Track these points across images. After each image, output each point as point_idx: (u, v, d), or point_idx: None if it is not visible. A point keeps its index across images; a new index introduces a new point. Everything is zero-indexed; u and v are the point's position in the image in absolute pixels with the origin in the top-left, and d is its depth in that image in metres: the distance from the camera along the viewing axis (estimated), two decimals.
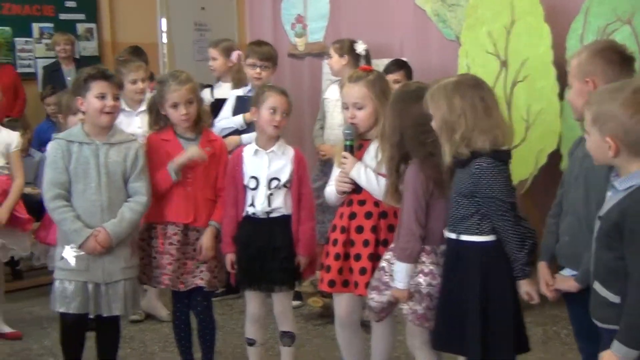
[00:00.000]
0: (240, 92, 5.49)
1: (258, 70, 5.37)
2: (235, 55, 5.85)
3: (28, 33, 8.46)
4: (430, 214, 3.32)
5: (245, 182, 3.93)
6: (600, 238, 2.67)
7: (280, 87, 4.21)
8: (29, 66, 8.45)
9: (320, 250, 3.93)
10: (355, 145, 3.73)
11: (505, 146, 3.14)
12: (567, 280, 3.11)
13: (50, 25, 8.53)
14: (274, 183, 3.90)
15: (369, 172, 3.64)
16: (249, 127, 5.11)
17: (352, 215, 3.72)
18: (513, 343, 3.13)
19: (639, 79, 2.86)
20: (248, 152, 3.98)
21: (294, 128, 6.71)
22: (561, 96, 5.30)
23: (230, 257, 3.99)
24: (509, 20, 5.59)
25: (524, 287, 3.12)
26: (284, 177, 3.91)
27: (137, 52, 6.52)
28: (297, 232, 3.93)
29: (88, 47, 8.75)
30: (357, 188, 3.71)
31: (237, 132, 5.32)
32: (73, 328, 3.97)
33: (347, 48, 5.82)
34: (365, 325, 4.09)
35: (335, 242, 3.75)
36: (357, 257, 3.68)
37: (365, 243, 3.67)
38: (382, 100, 3.63)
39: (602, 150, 2.64)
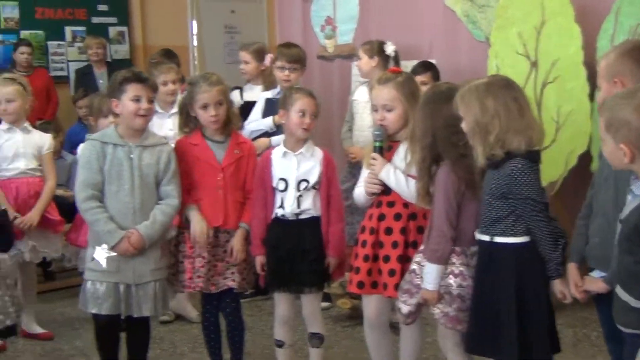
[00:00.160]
0: (270, 94, 5.50)
1: (287, 72, 5.38)
2: (268, 58, 5.84)
3: (61, 37, 8.57)
4: (461, 215, 3.31)
5: (274, 184, 3.94)
6: (621, 242, 2.65)
7: (308, 89, 4.21)
8: (61, 69, 8.55)
9: (349, 252, 3.93)
10: (385, 146, 3.72)
11: (537, 146, 3.14)
12: (597, 281, 3.09)
13: (83, 28, 8.62)
14: (303, 185, 3.90)
15: (398, 174, 3.64)
16: (278, 129, 5.11)
17: (381, 217, 3.72)
18: (549, 343, 3.13)
19: None
20: (277, 154, 3.98)
21: (323, 130, 6.71)
22: (592, 97, 5.26)
23: (260, 259, 4.00)
24: (539, 20, 5.55)
25: (558, 286, 3.13)
26: (313, 178, 3.92)
27: (169, 55, 6.57)
28: (326, 233, 3.93)
29: (120, 51, 8.83)
30: (386, 189, 3.70)
31: (267, 134, 5.34)
32: (106, 329, 4.01)
33: (377, 49, 5.81)
34: (394, 327, 4.08)
35: (364, 243, 3.75)
36: (386, 259, 3.67)
37: (395, 244, 3.66)
38: (412, 102, 3.63)
39: (617, 157, 2.62)
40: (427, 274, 3.35)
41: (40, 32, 8.42)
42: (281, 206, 3.93)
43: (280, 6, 8.48)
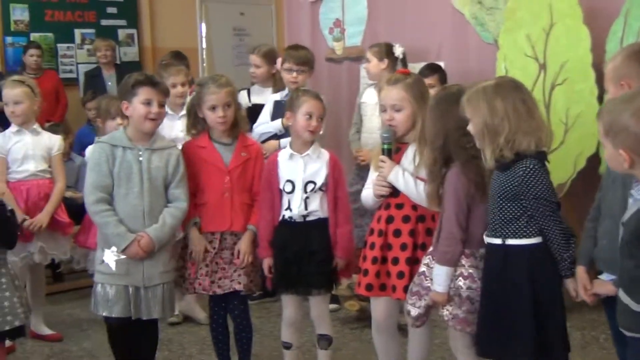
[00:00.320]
0: (278, 96, 5.51)
1: (294, 74, 5.38)
2: (280, 62, 5.82)
3: (70, 39, 8.59)
4: (471, 217, 3.30)
5: (281, 186, 3.94)
6: (622, 246, 2.65)
7: (315, 91, 4.21)
8: (70, 72, 8.58)
9: (358, 254, 3.92)
10: (393, 149, 3.72)
11: (545, 148, 3.14)
12: (605, 284, 3.08)
13: (92, 31, 8.65)
14: (310, 186, 3.90)
15: (407, 176, 3.63)
16: (287, 131, 5.11)
17: (390, 219, 3.72)
18: (564, 343, 3.14)
19: None
20: (283, 157, 3.99)
21: (331, 132, 6.73)
22: (600, 99, 5.24)
23: (267, 262, 4.01)
24: (547, 22, 5.54)
25: (571, 285, 3.14)
26: (320, 180, 3.92)
27: (178, 57, 6.58)
28: (334, 235, 3.93)
29: (129, 53, 8.85)
30: (394, 191, 3.70)
31: (276, 136, 5.34)
32: (119, 331, 4.01)
33: (386, 52, 5.82)
34: (401, 329, 4.08)
35: (372, 245, 3.75)
36: (395, 261, 3.67)
37: (403, 247, 3.66)
38: (420, 104, 3.63)
39: (617, 162, 2.62)
40: (437, 276, 3.34)
41: (49, 34, 8.44)
42: (288, 208, 3.93)
43: (288, 8, 8.49)
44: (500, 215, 3.13)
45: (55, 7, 8.43)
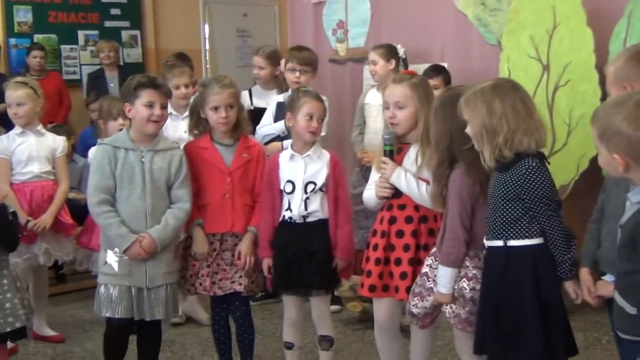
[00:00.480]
0: (281, 98, 5.50)
1: (297, 74, 5.38)
2: (283, 63, 5.82)
3: (74, 40, 8.60)
4: (475, 218, 3.29)
5: (282, 187, 3.94)
6: (620, 248, 2.64)
7: (315, 92, 4.21)
8: (74, 73, 8.59)
9: (361, 255, 3.92)
10: (395, 149, 3.72)
11: (543, 147, 3.13)
12: (609, 286, 3.06)
13: (95, 32, 8.66)
14: (310, 187, 3.90)
15: (409, 177, 3.63)
16: (289, 133, 5.11)
17: (393, 220, 3.71)
18: (566, 343, 3.12)
19: None
20: (284, 157, 3.99)
21: (334, 133, 6.74)
22: (603, 101, 5.22)
23: (267, 262, 4.01)
24: (551, 24, 5.54)
25: (571, 287, 3.12)
26: (320, 180, 3.91)
27: (182, 58, 6.58)
28: (334, 235, 3.93)
29: (132, 54, 8.86)
30: (397, 192, 3.69)
31: (279, 138, 5.34)
32: (119, 332, 4.01)
33: (392, 52, 5.83)
34: (404, 330, 4.08)
35: (375, 246, 3.75)
36: (398, 262, 3.67)
37: (406, 247, 3.66)
38: (424, 104, 3.62)
39: (612, 166, 2.60)
40: (441, 277, 3.34)
41: (53, 36, 8.45)
42: (288, 208, 3.93)
43: (292, 10, 8.50)
44: (502, 217, 3.12)
45: (58, 8, 8.44)
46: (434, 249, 3.51)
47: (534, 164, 3.03)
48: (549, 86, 5.57)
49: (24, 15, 8.28)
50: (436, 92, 4.13)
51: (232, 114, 4.07)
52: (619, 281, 2.69)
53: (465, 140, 3.23)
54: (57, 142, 5.09)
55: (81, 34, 8.63)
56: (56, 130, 5.47)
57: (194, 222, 4.07)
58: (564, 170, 5.36)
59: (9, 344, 4.21)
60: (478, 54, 6.49)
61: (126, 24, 8.84)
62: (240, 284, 4.06)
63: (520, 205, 3.07)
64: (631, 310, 2.60)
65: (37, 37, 8.31)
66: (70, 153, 6.06)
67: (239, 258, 4.06)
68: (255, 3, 9.24)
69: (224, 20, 9.15)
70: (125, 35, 8.82)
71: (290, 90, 5.44)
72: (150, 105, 3.91)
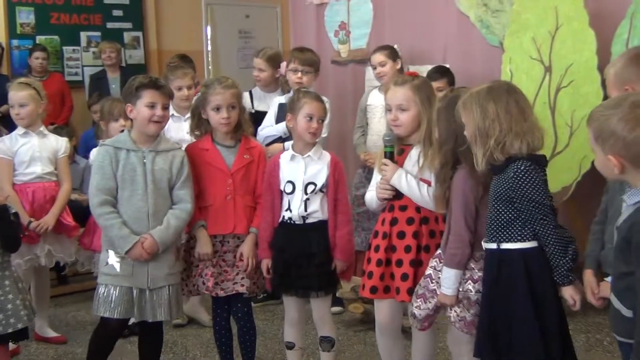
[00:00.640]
0: (283, 99, 5.49)
1: (299, 74, 5.37)
2: (284, 67, 5.78)
3: (76, 42, 8.62)
4: (479, 220, 3.28)
5: (282, 187, 3.94)
6: (616, 251, 2.64)
7: (316, 92, 4.22)
8: (76, 74, 8.61)
9: (363, 257, 3.92)
10: (397, 150, 3.72)
11: (540, 150, 3.11)
12: None
13: (98, 34, 8.68)
14: (310, 188, 3.90)
15: (410, 179, 3.63)
16: (291, 134, 5.11)
17: (394, 221, 3.71)
18: (560, 349, 3.08)
19: (636, 93, 2.80)
20: (285, 158, 3.99)
21: (336, 134, 6.74)
22: None
23: (266, 263, 4.01)
24: (553, 25, 5.53)
25: (568, 293, 3.06)
26: (320, 181, 3.91)
27: (184, 60, 6.59)
28: (333, 237, 3.93)
29: (134, 55, 8.87)
30: (398, 194, 3.69)
31: (280, 139, 5.33)
32: (113, 333, 4.01)
33: (396, 52, 5.85)
34: (405, 332, 4.07)
35: (376, 248, 3.74)
36: (399, 263, 3.66)
37: (407, 249, 3.65)
38: (426, 106, 3.62)
39: (608, 168, 2.60)
40: (446, 279, 3.33)
41: (55, 37, 8.47)
42: (288, 209, 3.93)
43: (294, 11, 8.50)
44: (496, 219, 3.11)
45: (61, 9, 8.45)
46: (438, 251, 3.50)
47: (522, 167, 3.01)
48: (551, 87, 5.56)
49: (26, 16, 8.29)
50: (440, 94, 4.13)
51: (234, 115, 4.07)
52: (615, 283, 2.68)
53: None
54: (60, 144, 5.09)
55: (83, 36, 8.64)
56: (57, 132, 5.47)
57: (196, 224, 4.07)
58: (566, 172, 5.35)
59: (11, 345, 4.22)
60: (480, 56, 6.48)
61: (128, 25, 8.85)
62: (242, 285, 4.06)
63: (511, 208, 3.06)
64: (627, 312, 2.59)
65: (40, 39, 8.32)
66: (71, 154, 6.06)
67: (241, 259, 4.06)
68: (257, 4, 9.25)
69: (226, 21, 9.16)
70: (127, 36, 8.84)
71: (292, 92, 5.44)
72: (151, 106, 3.90)
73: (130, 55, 8.81)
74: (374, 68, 5.89)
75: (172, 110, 5.08)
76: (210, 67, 9.05)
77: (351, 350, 4.92)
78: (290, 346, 4.12)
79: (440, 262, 3.43)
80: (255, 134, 5.07)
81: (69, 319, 5.76)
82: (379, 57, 5.86)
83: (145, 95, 3.91)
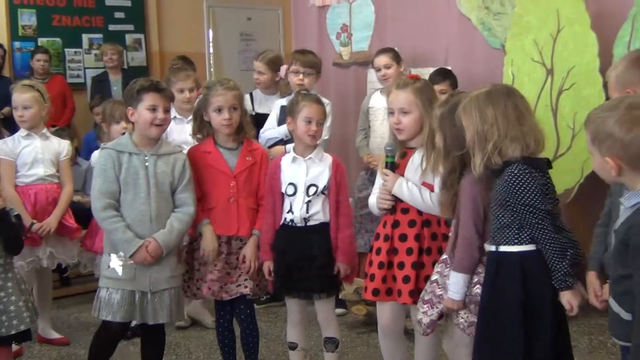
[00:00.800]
0: (284, 101, 5.49)
1: (301, 76, 5.37)
2: (283, 70, 5.80)
3: (78, 44, 8.62)
4: (487, 224, 3.26)
5: (283, 189, 3.95)
6: (614, 254, 2.64)
7: (315, 95, 4.22)
8: (78, 76, 8.61)
9: (366, 259, 3.92)
10: (399, 153, 3.73)
11: (539, 154, 3.10)
12: None
13: (100, 36, 8.68)
14: (312, 190, 3.90)
15: (411, 186, 3.64)
16: (292, 136, 5.12)
17: (396, 224, 3.72)
18: (551, 355, 3.06)
19: (633, 95, 2.80)
20: (286, 160, 3.99)
21: (338, 136, 6.75)
22: None
23: (267, 265, 4.02)
24: (554, 28, 5.54)
25: (565, 297, 3.01)
26: (322, 183, 3.91)
27: (185, 61, 6.59)
28: (335, 239, 3.93)
29: (136, 58, 8.87)
30: (397, 203, 3.71)
31: (282, 141, 5.34)
32: (114, 336, 4.01)
33: (399, 55, 5.85)
34: (408, 334, 4.07)
35: (378, 250, 3.75)
36: (401, 266, 3.67)
37: (409, 251, 3.65)
38: (428, 109, 3.62)
39: (605, 170, 2.60)
40: (454, 283, 3.32)
41: (57, 39, 8.47)
42: (290, 211, 3.94)
43: (296, 14, 8.51)
44: (495, 223, 3.11)
45: (62, 12, 8.45)
46: (443, 256, 3.50)
47: (516, 171, 2.99)
48: (553, 90, 5.56)
49: (28, 18, 8.30)
50: (443, 97, 4.12)
51: (236, 116, 4.08)
52: (614, 287, 2.68)
53: None
54: (62, 146, 5.09)
55: (85, 38, 8.65)
56: (59, 134, 5.48)
57: (201, 222, 4.07)
58: (568, 174, 5.36)
59: (14, 347, 4.22)
60: (482, 58, 6.48)
61: (130, 27, 8.85)
62: (245, 287, 4.07)
63: (508, 212, 3.04)
64: (626, 316, 2.59)
65: (42, 41, 8.34)
66: (73, 156, 6.06)
67: (243, 261, 4.07)
68: (259, 7, 9.26)
69: (228, 23, 9.17)
70: (129, 38, 8.84)
71: (293, 94, 5.45)
72: (153, 109, 3.90)
73: (132, 57, 8.81)
74: (378, 70, 5.87)
75: (174, 113, 5.09)
76: (212, 70, 9.06)
77: (354, 352, 4.93)
78: (293, 347, 4.12)
79: (446, 267, 3.43)
80: (256, 137, 5.08)
81: (71, 321, 5.77)
82: (384, 60, 5.85)
83: (146, 98, 3.90)
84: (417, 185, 3.64)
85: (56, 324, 5.45)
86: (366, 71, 7.21)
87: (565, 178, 5.33)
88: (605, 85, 5.21)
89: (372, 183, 4.05)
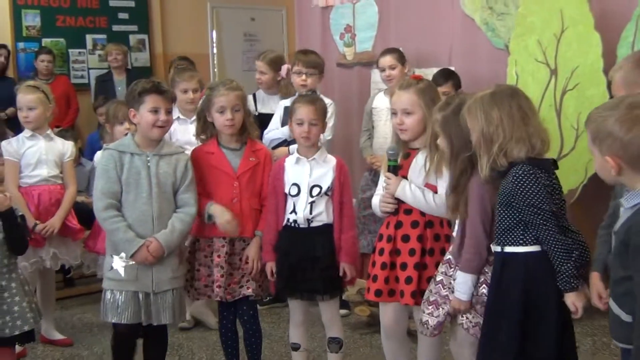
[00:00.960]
0: (288, 102, 5.48)
1: (304, 76, 5.36)
2: (284, 69, 5.81)
3: (82, 44, 8.62)
4: (494, 225, 3.25)
5: (286, 190, 3.95)
6: (614, 255, 2.63)
7: (311, 95, 4.23)
8: (82, 77, 8.62)
9: (369, 260, 3.92)
10: (402, 154, 3.73)
11: (545, 154, 3.10)
12: None
13: (103, 36, 8.69)
14: (316, 190, 3.90)
15: (414, 189, 3.64)
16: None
17: (399, 224, 3.71)
18: (555, 356, 3.05)
19: (633, 95, 2.80)
20: (290, 161, 4.00)
21: (342, 136, 6.74)
22: None
23: (270, 265, 4.01)
24: (558, 28, 5.53)
25: (570, 299, 3.01)
26: (326, 184, 3.91)
27: (186, 61, 6.59)
28: (338, 240, 3.92)
29: (140, 58, 8.88)
30: (399, 206, 3.71)
31: (286, 142, 5.34)
32: (126, 338, 4.01)
33: (404, 56, 5.83)
34: (411, 335, 4.07)
35: (381, 251, 3.75)
36: (403, 266, 3.66)
37: (411, 252, 3.65)
38: (431, 109, 3.59)
39: (605, 170, 2.60)
40: (461, 284, 3.32)
41: (61, 40, 8.48)
42: (293, 211, 3.93)
43: (299, 14, 8.50)
44: (500, 224, 3.11)
45: (66, 12, 8.47)
46: (447, 256, 3.50)
47: (520, 172, 3.00)
48: (556, 90, 5.55)
49: (32, 19, 8.31)
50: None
51: (238, 117, 4.07)
52: (614, 288, 2.68)
53: None
54: (66, 147, 5.10)
55: (89, 38, 8.66)
56: (62, 135, 5.49)
57: (207, 205, 4.03)
58: (572, 175, 5.35)
59: (17, 348, 4.22)
60: (485, 58, 6.47)
61: (134, 28, 8.86)
62: (248, 288, 4.07)
63: (513, 212, 3.05)
64: (626, 317, 2.59)
65: (45, 41, 8.35)
66: (77, 157, 6.07)
67: (246, 262, 4.06)
68: (262, 7, 9.26)
69: (232, 24, 9.18)
70: (133, 39, 8.84)
71: (297, 95, 5.45)
72: (155, 111, 3.90)
73: (135, 58, 8.82)
74: (382, 70, 5.86)
75: (177, 113, 5.09)
76: (215, 70, 9.06)
77: (357, 353, 4.93)
78: (296, 347, 4.12)
79: (451, 268, 3.43)
80: (260, 137, 5.08)
81: (75, 322, 5.77)
82: (389, 60, 5.83)
83: (148, 100, 3.90)
84: (420, 187, 3.64)
85: (59, 324, 5.46)
86: (370, 71, 7.21)
87: (568, 179, 5.31)
88: (609, 86, 5.22)
89: (376, 184, 4.05)
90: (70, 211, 5.09)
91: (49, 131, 5.06)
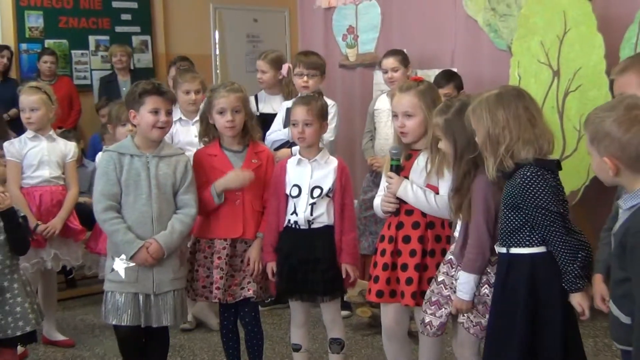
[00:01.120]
0: (290, 103, 5.48)
1: (305, 78, 5.36)
2: (285, 68, 5.81)
3: (85, 46, 8.63)
4: (496, 224, 3.25)
5: (288, 191, 3.94)
6: (613, 257, 2.63)
7: (307, 96, 4.23)
8: (84, 78, 8.63)
9: (370, 261, 3.92)
10: (404, 155, 3.72)
11: (551, 155, 3.10)
12: None
13: (106, 37, 8.70)
14: (317, 192, 3.90)
15: (416, 189, 3.64)
16: None
17: (400, 225, 3.71)
18: (561, 356, 3.06)
19: (632, 96, 2.80)
20: (292, 163, 3.99)
21: (344, 138, 6.74)
22: None
23: (270, 266, 4.01)
24: (561, 29, 5.52)
25: (576, 299, 3.02)
26: (327, 185, 3.91)
27: (187, 62, 6.60)
28: (339, 241, 3.92)
29: (142, 59, 8.90)
30: (400, 207, 3.70)
31: (288, 143, 5.33)
32: (129, 339, 4.00)
33: (407, 58, 5.83)
34: (413, 336, 4.07)
35: (383, 252, 3.75)
36: (404, 267, 3.66)
37: (412, 253, 3.65)
38: (432, 111, 3.60)
39: (603, 171, 2.60)
40: (464, 284, 3.32)
41: (64, 41, 8.50)
42: (294, 212, 3.93)
43: (302, 15, 8.49)
44: (506, 225, 3.11)
45: (69, 13, 8.48)
46: (448, 257, 3.50)
47: (528, 173, 3.00)
48: (559, 92, 5.55)
49: (35, 20, 8.32)
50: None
51: (239, 119, 4.06)
52: (614, 290, 2.68)
53: None
54: (69, 148, 5.11)
55: (92, 39, 8.67)
56: (65, 136, 5.49)
57: (211, 188, 4.01)
58: (574, 176, 5.34)
59: (19, 348, 4.23)
60: (488, 60, 6.46)
61: (137, 29, 8.87)
62: (249, 290, 4.06)
63: (519, 214, 3.05)
64: (625, 319, 2.59)
65: (48, 42, 8.37)
66: (79, 158, 6.07)
67: (248, 264, 4.06)
68: (265, 8, 9.26)
69: (234, 25, 9.19)
70: (135, 40, 8.86)
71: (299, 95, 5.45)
72: (155, 112, 3.90)
73: (138, 59, 8.83)
74: (385, 72, 5.85)
75: (179, 114, 5.09)
76: (218, 72, 9.07)
77: (359, 354, 4.92)
78: (297, 348, 4.12)
79: (452, 268, 3.43)
80: (263, 138, 5.08)
81: (76, 323, 5.77)
82: (392, 62, 5.82)
83: (148, 101, 3.90)
84: (421, 188, 3.64)
85: (61, 325, 5.46)
86: (372, 73, 7.20)
87: (571, 180, 5.31)
88: (612, 87, 5.22)
89: (377, 185, 4.05)
90: (72, 212, 5.09)
91: (51, 132, 5.06)
